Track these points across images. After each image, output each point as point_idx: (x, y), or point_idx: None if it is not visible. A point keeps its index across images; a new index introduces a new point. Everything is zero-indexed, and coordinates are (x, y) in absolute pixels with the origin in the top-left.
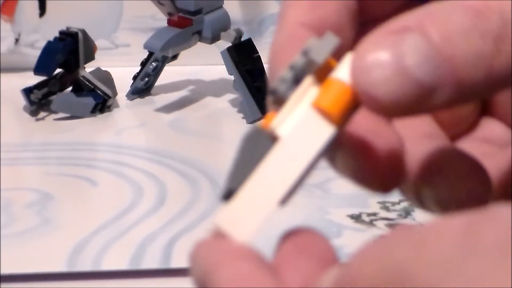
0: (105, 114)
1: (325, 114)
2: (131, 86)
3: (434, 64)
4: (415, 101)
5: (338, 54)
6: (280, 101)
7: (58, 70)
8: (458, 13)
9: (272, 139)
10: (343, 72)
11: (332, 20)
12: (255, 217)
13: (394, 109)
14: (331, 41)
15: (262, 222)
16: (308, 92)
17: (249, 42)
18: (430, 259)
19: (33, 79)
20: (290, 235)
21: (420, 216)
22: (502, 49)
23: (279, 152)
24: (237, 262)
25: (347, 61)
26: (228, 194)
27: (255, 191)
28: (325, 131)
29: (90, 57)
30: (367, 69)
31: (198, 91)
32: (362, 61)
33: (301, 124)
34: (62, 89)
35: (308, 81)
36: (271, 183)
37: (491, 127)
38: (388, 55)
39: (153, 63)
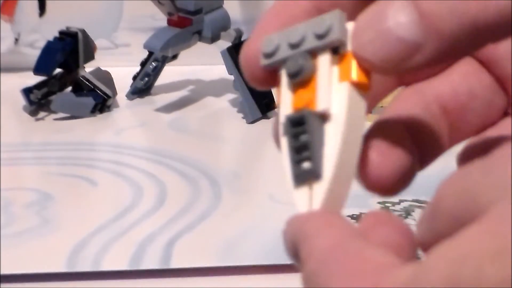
0: (105, 114)
1: (359, 86)
2: (131, 86)
3: (415, 22)
4: (402, 58)
5: None
6: (303, 81)
7: (58, 70)
8: None
9: (323, 118)
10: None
11: None
12: (343, 192)
13: (385, 67)
14: (341, 17)
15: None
16: (332, 69)
17: None
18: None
19: (33, 79)
20: (370, 213)
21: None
22: None
23: (342, 130)
24: (329, 230)
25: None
26: (304, 177)
27: (339, 168)
28: (363, 103)
29: (90, 57)
30: (357, 33)
31: (198, 91)
32: (354, 27)
33: (348, 100)
34: (61, 89)
35: (325, 58)
36: (345, 158)
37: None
38: (373, 18)
39: (153, 63)
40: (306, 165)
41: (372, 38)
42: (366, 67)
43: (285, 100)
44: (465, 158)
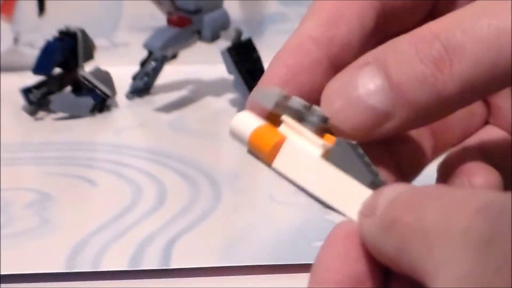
0: (104, 114)
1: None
2: (130, 86)
3: (384, 91)
4: (372, 126)
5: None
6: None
7: (57, 70)
8: (404, 43)
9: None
10: None
11: (342, 39)
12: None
13: (355, 135)
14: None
15: None
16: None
17: (249, 42)
18: (450, 236)
19: (32, 79)
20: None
21: None
22: (445, 72)
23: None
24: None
25: None
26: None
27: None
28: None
29: (89, 56)
30: (327, 100)
31: (198, 91)
32: (324, 93)
33: None
34: (61, 88)
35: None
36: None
37: (488, 133)
38: (343, 85)
39: (152, 63)
40: (381, 177)
41: (343, 106)
42: (336, 133)
43: (308, 133)
44: (445, 168)
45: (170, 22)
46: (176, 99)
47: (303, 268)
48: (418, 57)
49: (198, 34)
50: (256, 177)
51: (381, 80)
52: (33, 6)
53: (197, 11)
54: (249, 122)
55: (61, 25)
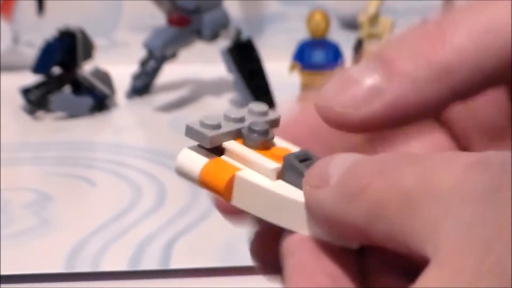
0: (104, 114)
1: None
2: (130, 85)
3: (375, 65)
4: (362, 102)
5: None
6: (263, 143)
7: (57, 70)
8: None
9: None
10: None
11: None
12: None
13: (347, 113)
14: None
15: None
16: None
17: (249, 41)
18: (437, 193)
19: (32, 78)
20: None
21: None
22: (438, 43)
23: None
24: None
25: None
26: None
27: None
28: None
29: (88, 56)
30: (322, 92)
31: (198, 90)
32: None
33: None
34: (60, 88)
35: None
36: None
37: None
38: (337, 77)
39: (152, 62)
40: None
41: (331, 84)
42: (331, 122)
43: (254, 156)
44: None
45: (169, 21)
46: (176, 98)
47: None
48: (411, 34)
49: (198, 34)
50: None
51: (372, 59)
52: (33, 5)
53: (197, 11)
54: (194, 160)
55: (61, 25)
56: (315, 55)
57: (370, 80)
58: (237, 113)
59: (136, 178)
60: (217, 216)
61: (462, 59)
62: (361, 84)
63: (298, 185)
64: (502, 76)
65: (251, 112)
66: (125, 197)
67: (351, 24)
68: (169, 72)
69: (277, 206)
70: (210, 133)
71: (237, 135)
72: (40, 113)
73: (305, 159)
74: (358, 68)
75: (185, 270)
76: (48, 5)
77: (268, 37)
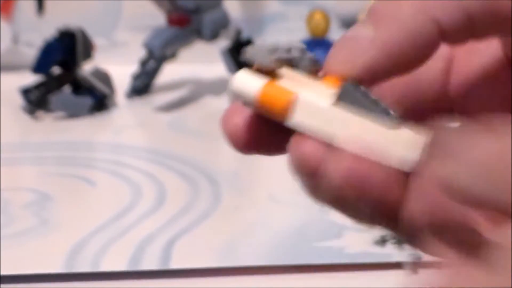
0: (104, 114)
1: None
2: (130, 85)
3: (368, 20)
4: (358, 55)
5: None
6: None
7: (56, 69)
8: None
9: None
10: None
11: None
12: None
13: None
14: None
15: None
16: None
17: (249, 41)
18: None
19: (31, 78)
20: None
21: None
22: None
23: None
24: None
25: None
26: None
27: None
28: None
29: (88, 56)
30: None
31: (198, 90)
32: None
33: None
34: (60, 88)
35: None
36: None
37: None
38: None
39: (152, 62)
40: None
41: (336, 51)
42: None
43: (311, 81)
44: None
45: (169, 21)
46: (176, 98)
47: (303, 268)
48: None
49: (198, 34)
50: (256, 177)
51: (363, 18)
52: (32, 5)
53: (197, 10)
54: (251, 82)
55: (60, 25)
56: (315, 55)
57: (362, 32)
58: (284, 45)
59: (136, 178)
60: (217, 216)
61: None
62: (355, 39)
63: (357, 110)
64: (490, 23)
65: (294, 47)
66: (125, 197)
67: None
68: (169, 72)
69: (337, 126)
70: (271, 55)
71: (288, 63)
72: (40, 113)
73: (360, 88)
74: (352, 28)
75: (185, 270)
76: (48, 5)
77: (268, 37)
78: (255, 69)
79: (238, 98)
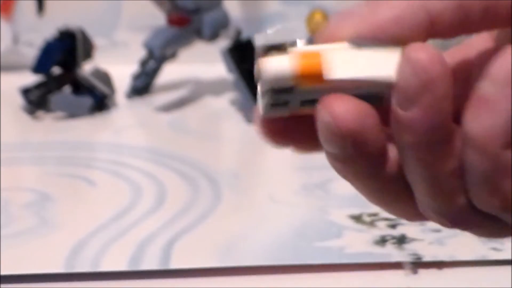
0: (104, 114)
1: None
2: (130, 85)
3: None
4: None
5: None
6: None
7: (57, 69)
8: None
9: None
10: None
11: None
12: None
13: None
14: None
15: None
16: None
17: (249, 41)
18: None
19: (32, 78)
20: None
21: None
22: None
23: None
24: None
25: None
26: None
27: None
28: None
29: (88, 56)
30: None
31: (198, 90)
32: None
33: None
34: (60, 88)
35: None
36: None
37: None
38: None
39: (152, 62)
40: None
41: (334, 22)
42: None
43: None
44: None
45: (169, 21)
46: (176, 98)
47: (304, 268)
48: None
49: (198, 34)
50: (256, 177)
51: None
52: (33, 5)
53: (197, 11)
54: (282, 62)
55: (60, 25)
56: None
57: (357, 9)
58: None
59: (136, 178)
60: (217, 216)
61: None
62: (350, 13)
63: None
64: (485, 18)
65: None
66: (125, 197)
67: None
68: (169, 72)
69: (373, 62)
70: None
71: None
72: (40, 113)
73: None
74: (351, 6)
75: (185, 270)
76: (48, 5)
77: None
78: (266, 54)
79: (276, 83)
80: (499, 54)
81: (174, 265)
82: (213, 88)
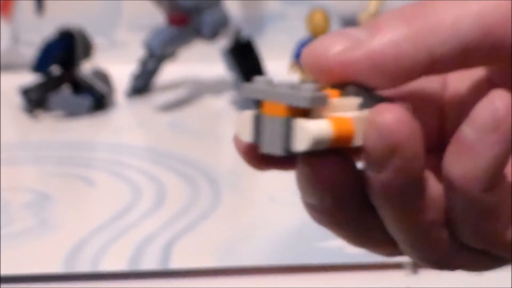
0: (103, 113)
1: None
2: (129, 85)
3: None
4: (348, 49)
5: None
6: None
7: (56, 69)
8: None
9: None
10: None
11: None
12: None
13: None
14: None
15: None
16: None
17: (249, 41)
18: None
19: (31, 78)
20: None
21: None
22: None
23: None
24: None
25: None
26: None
27: None
28: None
29: (87, 55)
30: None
31: (197, 90)
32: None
33: None
34: (59, 87)
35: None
36: None
37: None
38: None
39: (151, 61)
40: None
41: (331, 39)
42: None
43: (338, 101)
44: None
45: (169, 21)
46: (176, 98)
47: (304, 268)
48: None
49: (198, 33)
50: (256, 177)
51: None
52: (32, 5)
53: (196, 10)
54: (320, 127)
55: (60, 25)
56: None
57: (355, 32)
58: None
59: (136, 178)
60: (217, 216)
61: (439, 26)
62: (347, 33)
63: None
64: (484, 54)
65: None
66: (125, 197)
67: (351, 24)
68: (169, 72)
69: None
70: (306, 92)
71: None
72: (39, 112)
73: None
74: (352, 28)
75: (185, 270)
76: (48, 5)
77: (268, 37)
78: (290, 109)
79: (317, 145)
80: (484, 99)
81: (174, 265)
82: (213, 88)
